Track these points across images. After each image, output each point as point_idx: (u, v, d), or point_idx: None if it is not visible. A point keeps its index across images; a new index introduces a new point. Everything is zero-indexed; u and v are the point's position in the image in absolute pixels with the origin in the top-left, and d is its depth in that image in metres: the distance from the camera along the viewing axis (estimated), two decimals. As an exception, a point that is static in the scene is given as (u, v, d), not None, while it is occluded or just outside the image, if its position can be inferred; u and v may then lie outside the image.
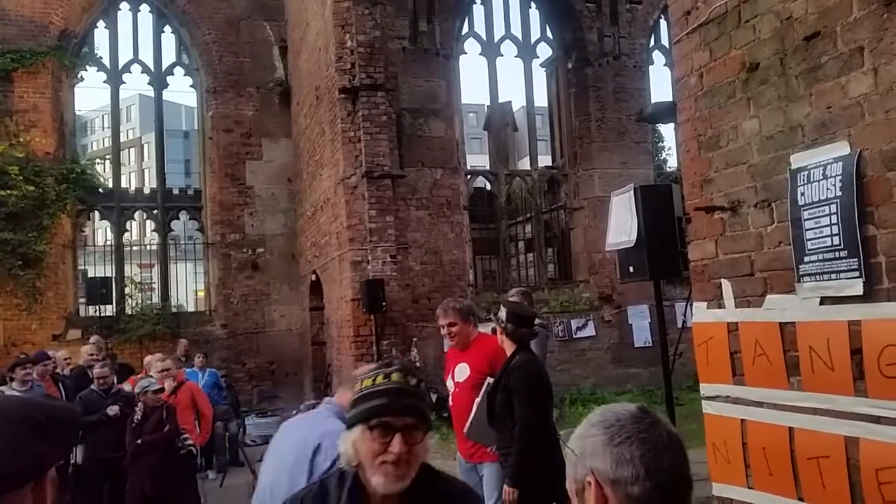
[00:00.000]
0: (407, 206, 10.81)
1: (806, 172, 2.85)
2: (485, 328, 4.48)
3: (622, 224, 4.45)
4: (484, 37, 12.98)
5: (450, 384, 4.48)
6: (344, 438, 1.71)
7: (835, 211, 2.71)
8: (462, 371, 4.34)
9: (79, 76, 13.65)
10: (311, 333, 12.88)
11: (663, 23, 13.35)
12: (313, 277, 12.30)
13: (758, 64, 3.09)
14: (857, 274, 2.64)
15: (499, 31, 13.12)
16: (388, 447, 1.65)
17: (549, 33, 13.23)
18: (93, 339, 9.85)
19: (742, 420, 3.23)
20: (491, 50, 12.97)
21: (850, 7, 2.66)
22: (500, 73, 13.49)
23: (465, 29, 12.71)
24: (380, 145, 10.01)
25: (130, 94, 41.60)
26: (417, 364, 10.29)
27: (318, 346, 12.64)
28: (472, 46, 12.93)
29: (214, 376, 10.28)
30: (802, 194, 2.85)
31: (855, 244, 2.63)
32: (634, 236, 4.28)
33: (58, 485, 1.18)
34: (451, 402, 4.48)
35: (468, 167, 12.70)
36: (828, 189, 2.74)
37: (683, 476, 1.25)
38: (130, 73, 14.22)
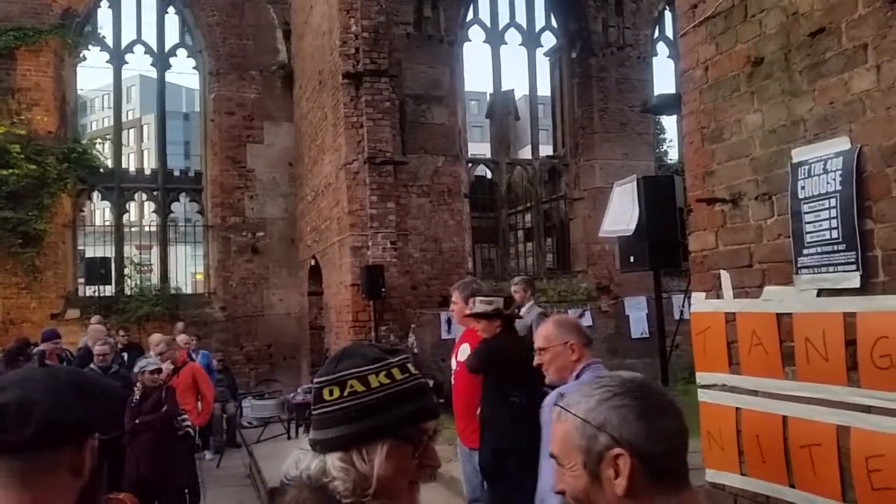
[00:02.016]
0: (408, 193, 10.84)
1: (807, 166, 2.89)
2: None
3: (621, 213, 4.47)
4: (488, 24, 12.97)
5: (453, 363, 4.53)
6: (340, 459, 1.24)
7: (834, 205, 2.76)
8: (464, 351, 4.38)
9: (81, 55, 13.63)
10: (310, 318, 12.94)
11: (668, 14, 13.34)
12: (312, 262, 12.35)
13: (763, 58, 3.13)
14: (854, 267, 2.69)
15: (503, 19, 13.13)
16: (423, 461, 1.31)
17: (553, 22, 13.22)
18: (94, 319, 9.90)
19: (737, 408, 3.29)
20: (495, 37, 12.96)
21: (855, 4, 2.69)
22: (504, 62, 13.46)
23: (470, 16, 12.69)
24: (382, 131, 10.02)
25: (131, 74, 41.41)
26: (415, 351, 10.37)
27: (316, 331, 12.71)
28: (476, 34, 12.93)
29: (206, 358, 10.34)
30: (803, 188, 2.90)
31: (853, 238, 2.68)
32: (633, 226, 4.29)
33: (97, 455, 1.23)
34: (452, 383, 4.51)
35: (469, 155, 12.73)
36: (828, 183, 2.79)
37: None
38: (133, 53, 14.17)
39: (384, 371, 1.29)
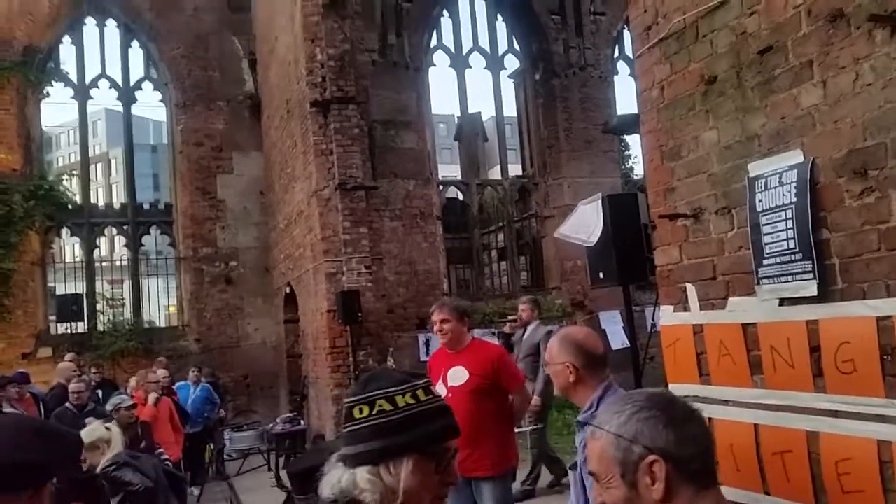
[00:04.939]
0: (381, 217, 10.87)
1: (763, 180, 2.98)
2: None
3: (583, 224, 4.47)
4: (452, 49, 13.16)
5: (441, 389, 4.14)
6: (369, 472, 1.36)
7: (790, 216, 2.84)
8: (458, 374, 4.13)
9: (45, 92, 13.51)
10: (287, 346, 12.84)
11: (627, 34, 13.62)
12: (287, 290, 12.28)
13: (716, 77, 3.23)
14: (811, 276, 2.77)
15: (467, 44, 13.33)
16: (445, 479, 1.42)
17: (516, 45, 13.45)
18: (68, 356, 9.74)
19: (709, 418, 3.33)
20: (459, 62, 13.14)
21: (799, 23, 2.80)
22: (469, 85, 13.65)
23: (434, 42, 12.86)
24: (352, 157, 10.06)
25: (96, 108, 41.07)
26: (393, 374, 10.32)
27: (293, 359, 12.60)
28: (440, 59, 13.11)
29: (207, 391, 10.23)
30: (760, 201, 2.98)
31: (809, 247, 2.76)
32: (594, 239, 4.31)
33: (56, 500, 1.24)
34: None
35: (440, 177, 12.82)
36: (783, 195, 2.87)
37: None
38: (98, 88, 14.12)
39: (410, 392, 1.40)
